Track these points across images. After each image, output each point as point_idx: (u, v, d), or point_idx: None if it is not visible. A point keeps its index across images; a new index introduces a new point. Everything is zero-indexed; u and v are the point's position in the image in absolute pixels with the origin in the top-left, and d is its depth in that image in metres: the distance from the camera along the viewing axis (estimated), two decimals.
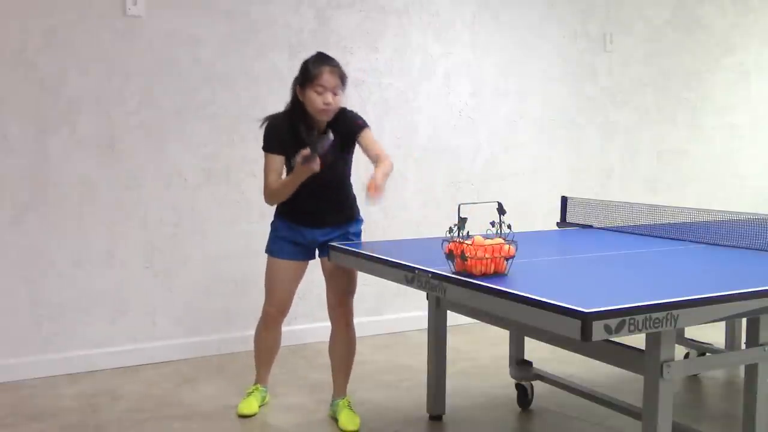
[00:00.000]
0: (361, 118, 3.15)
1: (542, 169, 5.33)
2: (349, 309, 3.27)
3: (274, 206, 3.25)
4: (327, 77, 2.96)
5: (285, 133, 3.06)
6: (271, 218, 3.30)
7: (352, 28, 4.61)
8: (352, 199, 3.28)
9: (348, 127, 3.10)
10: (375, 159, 3.06)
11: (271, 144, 3.10)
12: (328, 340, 3.36)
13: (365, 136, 3.12)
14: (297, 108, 3.06)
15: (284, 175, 3.15)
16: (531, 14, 5.22)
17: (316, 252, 3.27)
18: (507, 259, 2.41)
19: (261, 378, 3.47)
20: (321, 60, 3.01)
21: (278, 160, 3.08)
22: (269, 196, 3.14)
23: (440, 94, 4.94)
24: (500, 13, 5.10)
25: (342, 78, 3.04)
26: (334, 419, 3.25)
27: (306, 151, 2.89)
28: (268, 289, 3.28)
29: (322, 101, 2.97)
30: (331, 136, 2.92)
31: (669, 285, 2.36)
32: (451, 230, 2.49)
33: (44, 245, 3.91)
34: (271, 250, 3.26)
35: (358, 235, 3.27)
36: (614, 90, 5.60)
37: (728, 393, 3.71)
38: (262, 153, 3.13)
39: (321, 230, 3.19)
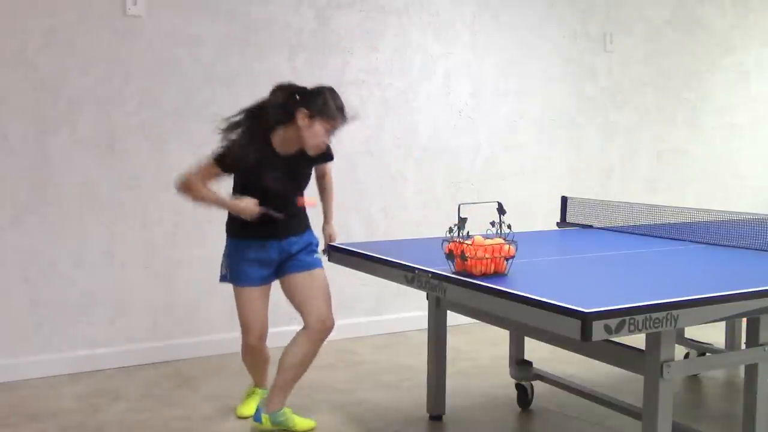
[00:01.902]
0: (331, 151, 3.19)
1: (542, 169, 5.33)
2: (333, 323, 3.11)
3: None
4: (340, 122, 2.98)
5: (253, 156, 2.95)
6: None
7: (352, 28, 4.61)
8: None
9: (321, 156, 3.13)
10: (320, 179, 3.30)
11: (230, 162, 2.96)
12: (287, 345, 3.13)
13: (327, 166, 3.28)
14: (277, 123, 2.98)
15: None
16: (531, 14, 5.22)
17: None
18: (507, 259, 2.41)
19: (259, 382, 3.44)
20: (341, 104, 2.97)
21: (217, 174, 2.99)
22: (186, 189, 3.02)
23: (440, 94, 4.94)
24: (500, 13, 5.11)
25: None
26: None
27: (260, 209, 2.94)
28: (244, 321, 3.12)
29: (323, 140, 2.97)
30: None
31: (669, 285, 2.36)
32: (451, 230, 2.49)
33: (44, 245, 3.91)
34: (237, 278, 3.07)
35: (317, 244, 3.20)
36: (614, 90, 5.60)
37: (728, 393, 3.71)
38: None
39: (286, 240, 3.07)
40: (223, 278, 3.14)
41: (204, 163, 3.00)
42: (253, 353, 3.24)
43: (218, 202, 3.00)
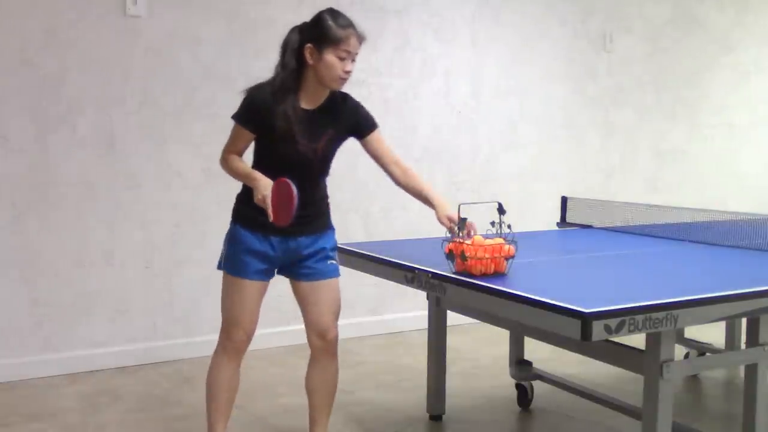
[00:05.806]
0: (372, 116, 2.79)
1: (542, 169, 5.33)
2: (337, 335, 2.74)
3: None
4: (354, 42, 2.54)
5: (269, 109, 2.53)
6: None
7: None
8: (327, 200, 2.77)
9: (356, 120, 2.73)
10: (393, 164, 2.73)
11: (246, 117, 2.56)
12: (306, 373, 2.79)
13: (376, 137, 2.75)
14: (295, 73, 2.56)
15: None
16: (531, 14, 5.22)
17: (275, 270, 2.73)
18: (507, 259, 2.41)
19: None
20: (346, 21, 2.55)
21: (247, 136, 2.58)
22: (222, 163, 2.65)
23: (440, 94, 4.94)
24: (500, 13, 5.10)
25: (361, 45, 2.61)
26: None
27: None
28: (230, 315, 2.66)
29: (342, 68, 2.53)
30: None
31: (669, 285, 2.36)
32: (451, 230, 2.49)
33: (44, 245, 3.91)
34: (233, 267, 2.63)
35: (335, 249, 2.75)
36: (614, 90, 5.60)
37: (728, 393, 3.71)
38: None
39: (295, 240, 2.63)
40: (220, 265, 2.71)
41: (231, 133, 2.62)
42: (232, 360, 2.72)
43: (244, 175, 2.58)
